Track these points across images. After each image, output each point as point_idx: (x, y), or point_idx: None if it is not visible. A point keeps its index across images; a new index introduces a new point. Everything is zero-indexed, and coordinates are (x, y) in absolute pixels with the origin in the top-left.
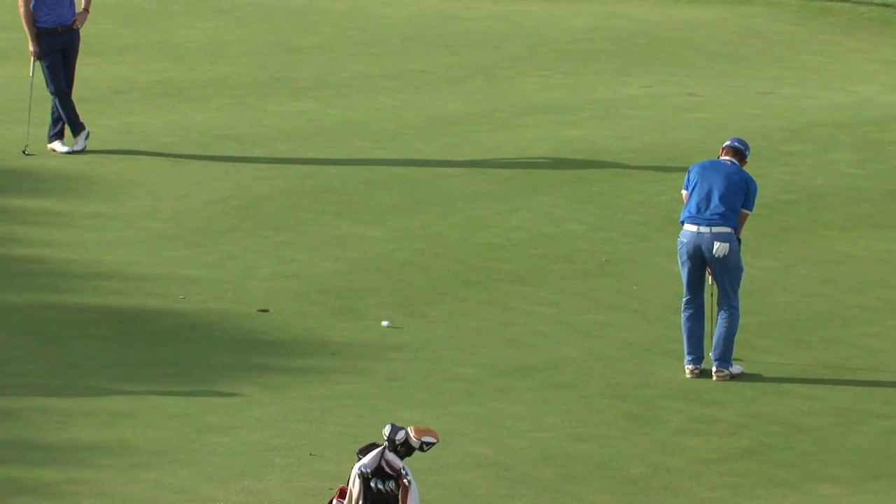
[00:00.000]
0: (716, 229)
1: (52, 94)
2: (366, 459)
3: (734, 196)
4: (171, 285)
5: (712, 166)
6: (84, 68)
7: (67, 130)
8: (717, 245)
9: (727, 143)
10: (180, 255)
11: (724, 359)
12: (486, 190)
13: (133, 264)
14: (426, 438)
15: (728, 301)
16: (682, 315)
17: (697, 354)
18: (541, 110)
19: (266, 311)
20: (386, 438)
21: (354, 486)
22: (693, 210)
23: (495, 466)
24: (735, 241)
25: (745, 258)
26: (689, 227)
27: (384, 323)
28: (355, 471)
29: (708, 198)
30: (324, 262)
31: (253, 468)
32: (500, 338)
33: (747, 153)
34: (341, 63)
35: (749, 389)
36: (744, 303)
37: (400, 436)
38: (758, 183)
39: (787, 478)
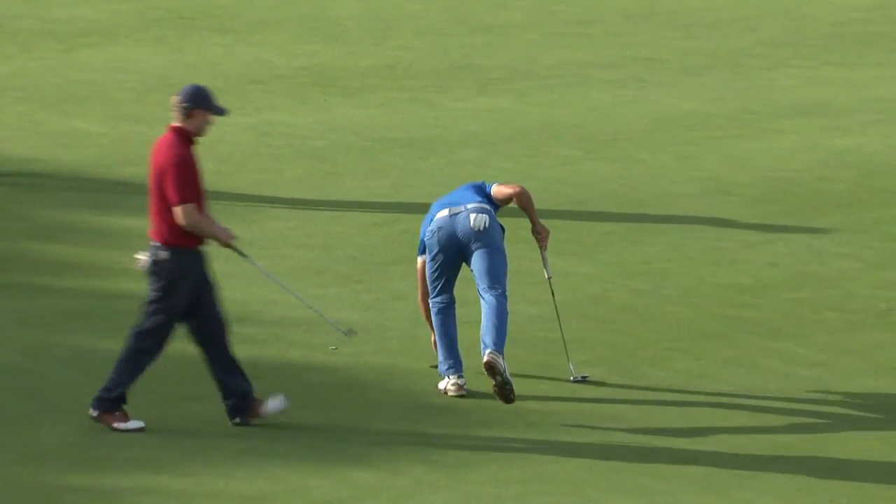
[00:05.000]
0: None
1: None
2: None
3: None
4: (320, 332)
5: None
6: (211, 49)
7: None
8: None
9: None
10: (332, 293)
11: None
12: (730, 215)
13: (271, 304)
14: None
15: None
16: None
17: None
18: (803, 112)
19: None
20: None
21: None
22: None
23: None
24: None
25: None
26: None
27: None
28: None
29: None
30: (517, 305)
31: None
32: (746, 407)
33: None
34: (544, 47)
35: None
36: None
37: None
38: None
39: None
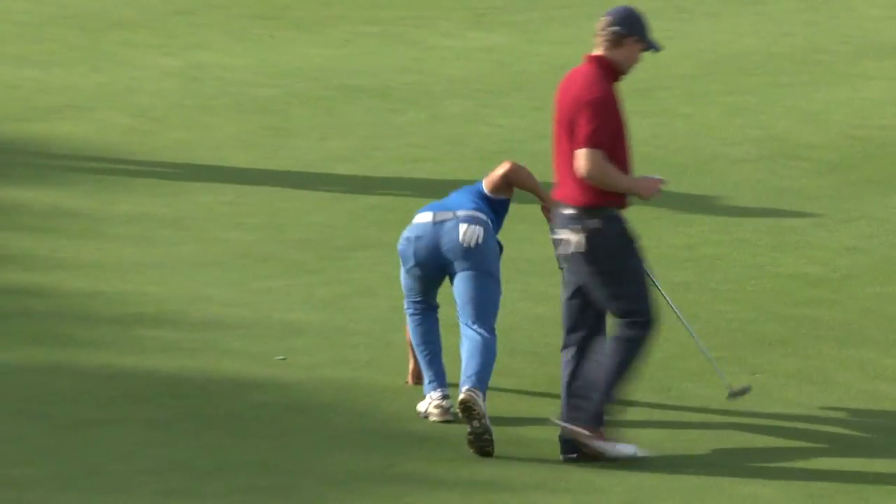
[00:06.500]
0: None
1: None
2: None
3: None
4: (264, 337)
5: None
6: None
7: None
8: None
9: None
10: (279, 286)
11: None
12: (796, 184)
13: (200, 301)
14: None
15: None
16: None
17: None
18: (893, 52)
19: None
20: None
21: None
22: None
23: None
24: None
25: None
26: None
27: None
28: None
29: None
30: (522, 303)
31: None
32: (818, 433)
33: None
34: None
35: None
36: None
37: None
38: None
39: None
